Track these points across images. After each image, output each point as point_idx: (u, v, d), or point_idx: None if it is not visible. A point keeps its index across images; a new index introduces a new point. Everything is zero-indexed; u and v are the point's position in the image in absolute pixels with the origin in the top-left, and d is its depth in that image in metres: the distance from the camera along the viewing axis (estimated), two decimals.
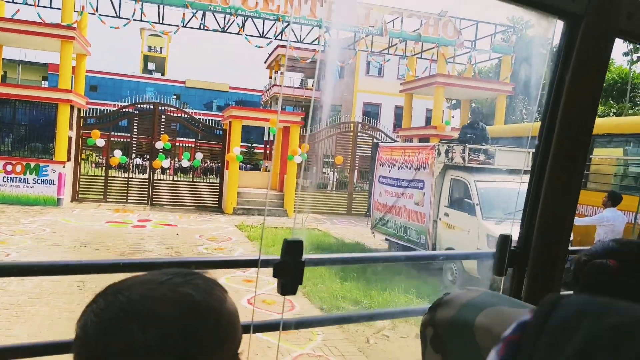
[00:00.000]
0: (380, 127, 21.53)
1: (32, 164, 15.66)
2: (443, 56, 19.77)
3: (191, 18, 17.26)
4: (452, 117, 29.26)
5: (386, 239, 11.84)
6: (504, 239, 1.23)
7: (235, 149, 17.43)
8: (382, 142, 17.75)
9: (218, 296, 0.67)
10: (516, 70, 21.36)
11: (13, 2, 16.33)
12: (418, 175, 10.19)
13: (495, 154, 9.16)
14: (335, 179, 21.25)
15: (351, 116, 24.79)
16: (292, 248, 0.90)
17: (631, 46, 23.86)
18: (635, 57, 25.32)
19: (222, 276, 8.83)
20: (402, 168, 10.84)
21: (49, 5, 16.31)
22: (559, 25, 1.21)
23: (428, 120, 29.04)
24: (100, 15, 16.55)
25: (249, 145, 39.34)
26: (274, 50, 35.64)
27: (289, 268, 0.88)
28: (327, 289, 8.18)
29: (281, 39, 18.62)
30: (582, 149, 1.20)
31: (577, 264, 1.18)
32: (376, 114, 31.63)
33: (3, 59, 18.97)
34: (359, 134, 20.12)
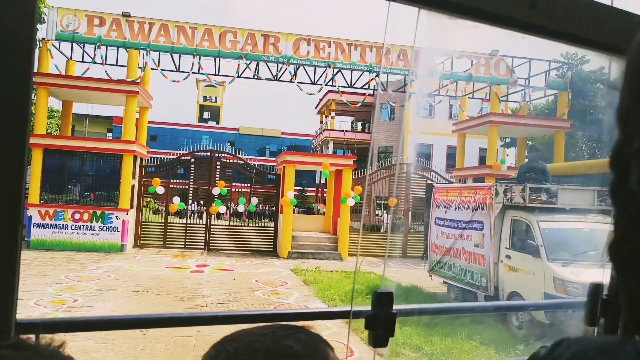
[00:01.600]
0: (432, 168, 21.32)
1: (98, 212, 16.43)
2: (496, 95, 19.56)
3: (245, 69, 18.00)
4: (507, 155, 28.63)
5: (445, 282, 11.52)
6: (595, 288, 1.19)
7: (289, 193, 17.67)
8: (436, 182, 17.52)
9: (321, 351, 0.68)
10: (574, 106, 20.77)
11: (83, 61, 17.61)
12: (476, 216, 9.94)
13: (558, 193, 8.84)
14: (388, 221, 21.04)
15: (403, 157, 24.72)
16: (383, 299, 0.90)
17: None
18: None
19: None
20: (458, 209, 10.62)
21: (115, 63, 17.47)
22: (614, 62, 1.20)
23: (482, 159, 28.50)
24: (162, 70, 17.55)
25: (301, 188, 39.76)
26: (324, 96, 36.39)
27: (381, 320, 0.88)
28: None
29: (332, 85, 19.02)
30: None
31: None
32: (428, 154, 31.39)
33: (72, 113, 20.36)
34: (412, 175, 19.99)
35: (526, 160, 11.09)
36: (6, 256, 0.71)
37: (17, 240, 0.72)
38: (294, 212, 20.25)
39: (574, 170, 12.09)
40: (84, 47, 17.34)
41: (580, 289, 7.56)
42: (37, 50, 17.05)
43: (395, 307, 0.93)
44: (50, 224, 16.12)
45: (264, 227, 20.17)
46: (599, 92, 26.30)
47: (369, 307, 0.91)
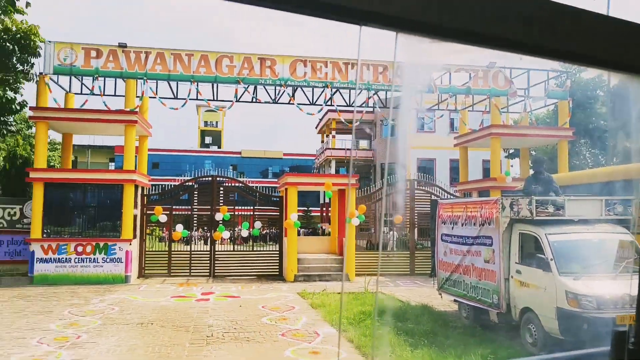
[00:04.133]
0: (436, 183, 21.15)
1: (101, 244, 16.29)
2: (496, 106, 19.46)
3: (243, 93, 17.99)
4: (512, 166, 28.44)
5: (455, 300, 11.26)
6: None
7: (293, 216, 17.50)
8: (440, 198, 17.32)
9: None
10: (575, 115, 20.61)
11: (82, 93, 17.65)
12: (483, 231, 9.74)
13: (565, 204, 8.64)
14: (395, 239, 20.80)
15: (407, 173, 24.57)
16: None
17: None
18: None
19: (287, 348, 8.58)
20: (465, 225, 10.43)
21: (113, 94, 17.50)
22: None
23: (486, 171, 28.32)
24: (160, 98, 17.56)
25: (306, 209, 39.60)
26: (324, 115, 36.45)
27: None
28: (397, 358, 7.76)
29: (331, 104, 18.98)
30: None
31: None
32: (431, 169, 31.24)
33: (73, 145, 20.39)
34: (416, 191, 19.81)
35: (531, 171, 10.90)
36: None
37: None
38: (299, 234, 20.02)
39: (579, 179, 11.90)
40: (82, 79, 17.39)
41: (594, 301, 7.33)
42: (34, 85, 17.15)
43: None
44: (53, 258, 15.98)
45: (269, 250, 19.96)
46: (600, 99, 26.18)
47: None
